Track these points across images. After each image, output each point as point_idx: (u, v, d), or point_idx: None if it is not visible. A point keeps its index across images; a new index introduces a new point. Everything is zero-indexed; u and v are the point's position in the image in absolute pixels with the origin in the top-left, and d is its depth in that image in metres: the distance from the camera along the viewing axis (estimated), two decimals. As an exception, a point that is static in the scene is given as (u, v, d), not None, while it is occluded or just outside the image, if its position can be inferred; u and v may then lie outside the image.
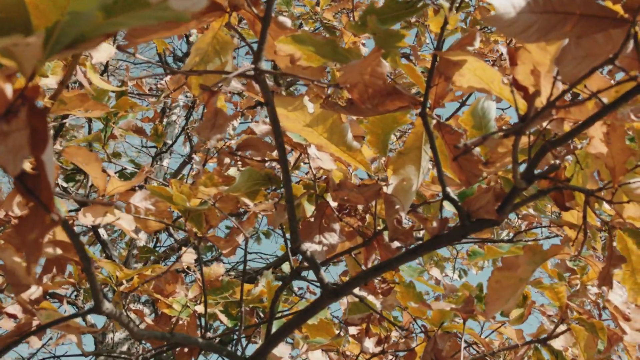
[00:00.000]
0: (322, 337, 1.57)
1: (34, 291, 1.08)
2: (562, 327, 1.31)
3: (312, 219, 1.16)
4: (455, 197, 0.95)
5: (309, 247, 1.14)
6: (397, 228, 1.01)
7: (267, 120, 1.35)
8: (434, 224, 0.93)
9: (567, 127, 1.07)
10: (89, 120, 2.63)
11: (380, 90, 0.89)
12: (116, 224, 1.26)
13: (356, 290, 1.52)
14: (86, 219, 1.23)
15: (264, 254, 5.06)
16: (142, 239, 3.36)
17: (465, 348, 1.60)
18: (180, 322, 1.71)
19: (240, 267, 3.81)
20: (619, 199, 0.98)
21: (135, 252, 3.16)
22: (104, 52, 1.24)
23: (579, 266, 1.24)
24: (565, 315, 1.19)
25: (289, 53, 0.96)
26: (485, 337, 1.74)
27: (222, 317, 1.68)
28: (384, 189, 1.07)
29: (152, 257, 2.87)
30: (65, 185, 2.81)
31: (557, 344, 1.57)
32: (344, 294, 1.02)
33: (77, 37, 0.41)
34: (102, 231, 3.17)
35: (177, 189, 1.42)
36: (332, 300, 1.03)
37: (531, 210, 2.28)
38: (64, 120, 2.22)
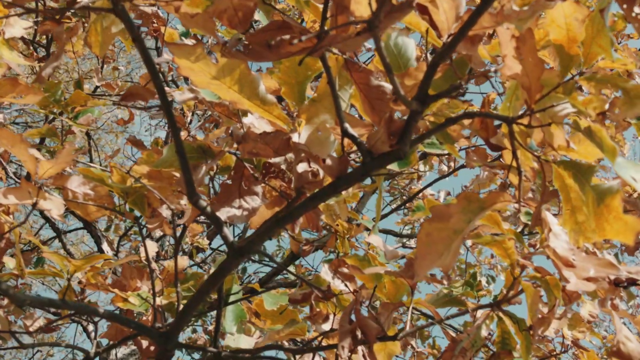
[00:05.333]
0: (282, 323, 1.48)
1: None
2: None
3: (230, 182, 1.08)
4: (355, 134, 0.85)
5: (227, 212, 1.06)
6: (302, 176, 0.92)
7: (193, 87, 1.29)
8: (329, 162, 0.84)
9: (482, 51, 0.97)
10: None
11: (252, 11, 0.81)
12: (41, 206, 1.20)
13: (324, 273, 1.43)
14: (8, 200, 1.18)
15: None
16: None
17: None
18: (144, 317, 1.64)
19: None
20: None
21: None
22: (18, 26, 1.20)
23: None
24: (517, 274, 1.07)
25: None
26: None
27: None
28: (294, 137, 0.98)
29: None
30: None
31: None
32: (250, 253, 0.93)
33: None
34: (105, 247, 3.16)
35: (118, 172, 1.37)
36: (238, 260, 0.95)
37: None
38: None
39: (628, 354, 0.98)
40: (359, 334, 1.11)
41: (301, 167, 0.97)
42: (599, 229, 0.81)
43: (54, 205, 1.25)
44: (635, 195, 2.80)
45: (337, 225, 1.88)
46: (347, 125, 0.85)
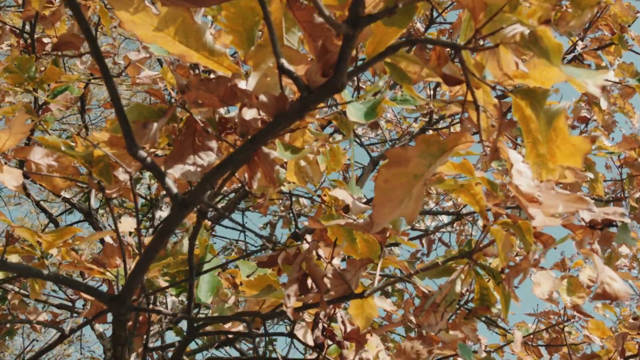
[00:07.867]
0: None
1: None
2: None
3: (182, 138, 1.03)
4: (291, 68, 0.80)
5: (181, 169, 1.02)
6: (246, 122, 0.87)
7: (145, 45, 1.24)
8: (264, 99, 0.79)
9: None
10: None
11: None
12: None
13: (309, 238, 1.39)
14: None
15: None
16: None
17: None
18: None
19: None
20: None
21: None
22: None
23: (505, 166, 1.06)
24: (487, 221, 1.01)
25: None
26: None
27: (165, 284, 1.57)
28: (240, 84, 0.93)
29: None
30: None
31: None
32: (194, 204, 0.89)
33: None
34: (107, 238, 3.14)
35: (81, 141, 1.33)
36: (183, 213, 0.90)
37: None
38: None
39: (614, 294, 0.91)
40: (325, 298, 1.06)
41: (250, 114, 0.92)
42: (551, 156, 0.76)
43: (10, 177, 1.21)
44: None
45: (324, 195, 1.84)
46: (283, 60, 0.80)
